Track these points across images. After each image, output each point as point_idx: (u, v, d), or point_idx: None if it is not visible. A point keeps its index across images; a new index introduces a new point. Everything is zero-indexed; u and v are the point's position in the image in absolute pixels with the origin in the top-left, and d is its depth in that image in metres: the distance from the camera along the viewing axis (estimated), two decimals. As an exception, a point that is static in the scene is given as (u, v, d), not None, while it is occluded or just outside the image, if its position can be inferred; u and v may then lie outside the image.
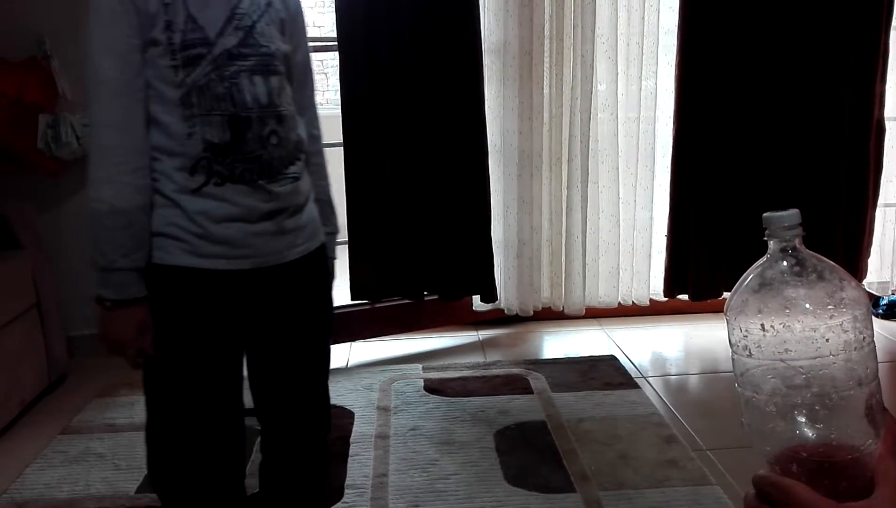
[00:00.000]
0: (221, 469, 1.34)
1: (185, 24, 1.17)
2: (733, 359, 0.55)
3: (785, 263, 0.54)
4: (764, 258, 0.55)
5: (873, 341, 0.54)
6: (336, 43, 2.67)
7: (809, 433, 0.52)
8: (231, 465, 1.35)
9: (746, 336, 0.53)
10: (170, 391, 1.30)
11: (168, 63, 1.17)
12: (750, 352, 0.53)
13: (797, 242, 0.54)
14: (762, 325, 0.52)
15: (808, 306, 0.52)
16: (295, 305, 1.37)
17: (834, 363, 0.51)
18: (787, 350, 0.51)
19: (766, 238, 0.55)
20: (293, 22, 1.33)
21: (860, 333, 0.52)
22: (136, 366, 1.28)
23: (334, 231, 1.52)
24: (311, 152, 1.42)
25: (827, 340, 0.51)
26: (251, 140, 1.22)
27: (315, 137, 1.44)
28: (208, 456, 1.32)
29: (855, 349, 0.52)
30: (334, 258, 1.53)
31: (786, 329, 0.52)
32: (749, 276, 0.55)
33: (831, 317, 0.52)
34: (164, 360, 1.28)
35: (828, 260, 0.54)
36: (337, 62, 2.67)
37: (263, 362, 1.40)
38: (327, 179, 1.48)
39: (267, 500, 1.48)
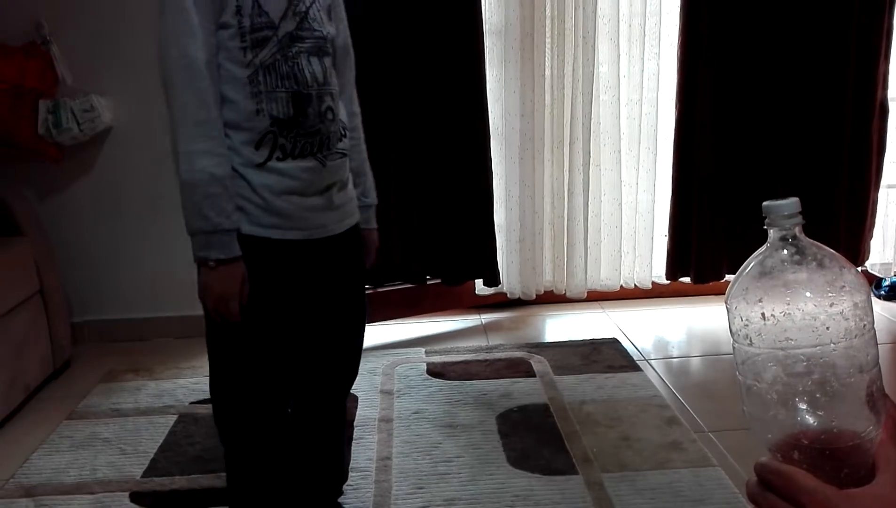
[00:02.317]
0: (272, 406, 1.49)
1: (253, 10, 1.28)
2: (734, 347, 0.55)
3: (785, 251, 0.54)
4: (764, 247, 0.55)
5: (874, 327, 0.54)
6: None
7: (811, 420, 0.52)
8: (275, 405, 1.50)
9: (747, 325, 0.53)
10: (237, 345, 1.43)
11: (238, 45, 1.29)
12: (751, 340, 0.53)
13: (797, 230, 0.54)
14: (763, 313, 0.52)
15: (808, 294, 0.52)
16: (340, 277, 1.51)
17: (834, 350, 0.52)
18: (787, 338, 0.52)
19: (766, 227, 0.55)
20: (336, 7, 1.47)
21: (861, 320, 0.52)
22: (237, 318, 1.36)
23: (373, 203, 1.65)
24: (352, 128, 1.54)
25: (827, 327, 0.51)
26: (312, 115, 1.34)
27: (355, 113, 1.57)
28: (258, 402, 1.47)
29: (856, 336, 0.52)
30: (374, 229, 1.67)
31: (786, 317, 0.52)
32: (749, 264, 0.55)
33: (832, 305, 0.52)
34: (246, 319, 1.39)
35: (828, 248, 0.54)
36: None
37: (309, 331, 1.52)
38: (364, 153, 1.61)
39: (295, 457, 1.63)
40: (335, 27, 1.45)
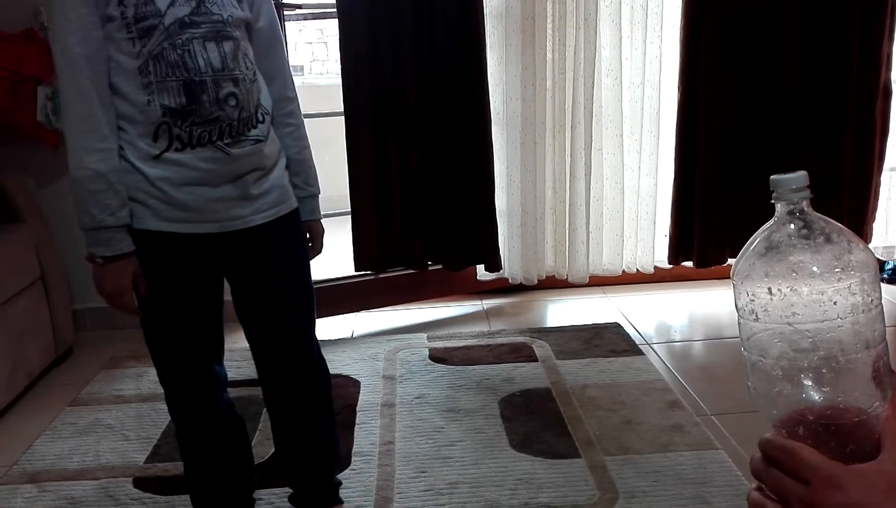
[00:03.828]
0: (197, 394, 1.51)
1: None
2: (739, 323, 0.55)
3: (792, 225, 0.53)
4: (771, 221, 0.54)
5: (881, 303, 0.53)
6: (335, 10, 2.63)
7: (816, 396, 0.52)
8: (203, 394, 1.50)
9: (753, 300, 0.53)
10: (158, 339, 1.46)
11: (125, 36, 1.27)
12: (756, 316, 0.53)
13: (805, 204, 0.54)
14: (769, 289, 0.52)
15: (815, 269, 0.52)
16: (266, 268, 1.46)
17: (841, 326, 0.51)
18: (794, 314, 0.51)
19: (773, 201, 0.54)
20: None
21: (868, 295, 0.52)
22: (136, 313, 1.39)
23: (315, 193, 1.56)
24: (286, 114, 1.49)
25: (834, 303, 0.51)
26: (207, 102, 1.30)
27: (289, 98, 1.50)
28: (188, 388, 1.50)
29: (863, 311, 0.52)
30: (317, 219, 1.58)
31: (793, 293, 0.51)
32: (756, 239, 0.54)
33: (839, 280, 0.51)
34: (149, 313, 1.41)
35: (836, 222, 0.53)
36: (337, 30, 2.64)
37: (247, 322, 1.51)
38: (304, 140, 1.54)
39: (281, 458, 1.66)
40: (247, 10, 1.39)
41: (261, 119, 1.38)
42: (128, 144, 1.30)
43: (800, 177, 0.53)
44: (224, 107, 1.31)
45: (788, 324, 0.51)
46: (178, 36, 1.27)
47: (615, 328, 2.74)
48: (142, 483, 1.89)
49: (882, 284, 3.07)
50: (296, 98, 1.52)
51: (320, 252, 1.62)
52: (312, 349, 1.57)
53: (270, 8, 1.46)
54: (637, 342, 2.61)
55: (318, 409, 1.61)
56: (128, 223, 1.32)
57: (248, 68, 1.36)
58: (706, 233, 2.95)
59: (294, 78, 1.55)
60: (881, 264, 3.14)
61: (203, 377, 1.49)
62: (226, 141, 1.32)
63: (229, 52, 1.32)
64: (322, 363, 1.60)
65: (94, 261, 1.32)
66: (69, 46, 1.25)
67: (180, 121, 1.29)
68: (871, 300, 0.52)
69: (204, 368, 1.48)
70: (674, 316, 2.94)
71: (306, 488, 1.66)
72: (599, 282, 3.13)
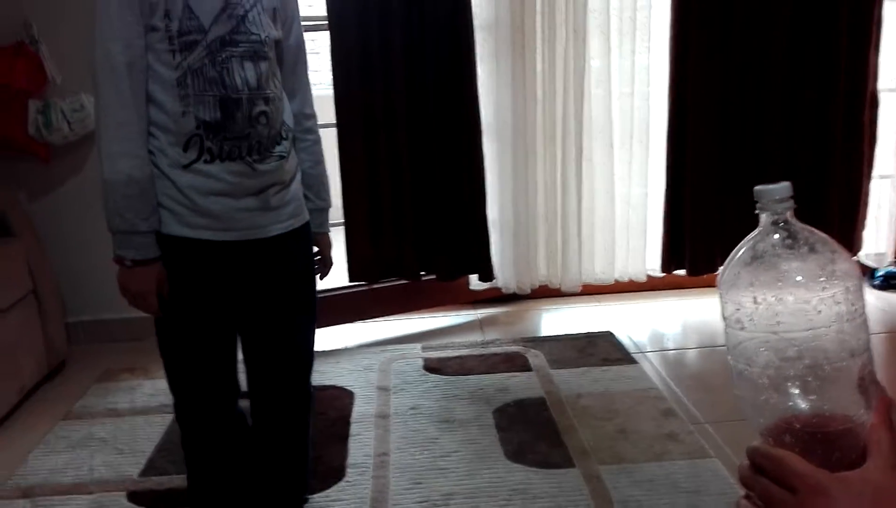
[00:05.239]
0: (214, 402, 1.52)
1: (182, 13, 1.29)
2: (726, 332, 0.55)
3: (777, 235, 0.54)
4: (756, 231, 0.55)
5: (865, 312, 0.54)
6: (327, 22, 2.64)
7: (802, 404, 0.52)
8: (221, 402, 1.52)
9: (739, 309, 0.53)
10: (175, 343, 1.47)
11: (166, 48, 1.30)
12: (742, 325, 0.53)
13: (789, 214, 0.54)
14: (754, 298, 0.52)
15: (800, 278, 0.52)
16: (278, 277, 1.49)
17: (826, 334, 0.52)
18: (779, 323, 0.52)
19: (757, 211, 0.55)
20: (284, 9, 1.44)
21: (852, 304, 0.53)
22: (157, 313, 1.42)
23: (326, 206, 1.61)
24: (305, 130, 1.54)
25: (819, 312, 0.51)
26: (240, 119, 1.34)
27: (308, 115, 1.55)
28: (205, 395, 1.51)
29: (847, 320, 0.52)
30: (326, 232, 1.63)
31: (778, 302, 0.52)
32: (741, 249, 0.55)
33: (823, 289, 0.52)
34: (169, 317, 1.44)
35: (820, 232, 0.54)
36: (328, 41, 2.65)
37: (249, 330, 1.53)
38: (320, 155, 1.59)
39: (259, 472, 1.64)
40: (281, 29, 1.43)
41: (284, 136, 1.43)
42: (158, 150, 1.34)
43: (783, 188, 0.54)
44: (255, 125, 1.35)
45: (774, 333, 0.52)
46: (218, 53, 1.31)
47: (608, 336, 2.74)
48: (136, 497, 1.88)
49: (873, 290, 3.09)
50: (314, 115, 1.57)
51: (332, 265, 1.67)
52: (312, 362, 1.60)
53: (300, 27, 1.51)
54: (630, 351, 2.62)
55: (307, 424, 1.63)
56: (157, 229, 1.36)
57: (276, 87, 1.41)
58: (697, 241, 2.97)
59: None
60: (871, 271, 3.16)
61: (223, 384, 1.50)
62: (254, 157, 1.36)
63: (265, 72, 1.36)
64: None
65: (123, 263, 1.36)
66: (112, 53, 1.27)
67: (213, 134, 1.32)
68: (856, 309, 0.53)
69: (225, 375, 1.49)
70: (667, 324, 2.95)
71: (278, 503, 1.66)
72: (592, 291, 3.13)
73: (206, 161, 1.33)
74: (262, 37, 1.36)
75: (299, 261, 1.54)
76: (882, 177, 3.11)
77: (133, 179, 1.31)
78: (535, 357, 2.57)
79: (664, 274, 3.09)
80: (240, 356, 1.55)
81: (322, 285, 1.61)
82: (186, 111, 1.31)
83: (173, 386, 1.50)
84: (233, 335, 1.50)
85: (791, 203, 0.54)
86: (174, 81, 1.30)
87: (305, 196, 1.55)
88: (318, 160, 1.58)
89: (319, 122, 1.60)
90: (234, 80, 1.32)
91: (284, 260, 1.49)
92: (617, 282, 3.11)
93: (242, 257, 1.43)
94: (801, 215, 0.55)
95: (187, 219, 1.36)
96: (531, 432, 2.09)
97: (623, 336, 2.76)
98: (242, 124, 1.33)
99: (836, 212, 2.94)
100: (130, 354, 2.72)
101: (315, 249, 1.62)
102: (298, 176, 1.51)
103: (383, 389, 2.40)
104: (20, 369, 2.39)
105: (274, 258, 1.47)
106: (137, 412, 2.33)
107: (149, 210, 1.33)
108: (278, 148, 1.41)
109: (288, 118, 1.46)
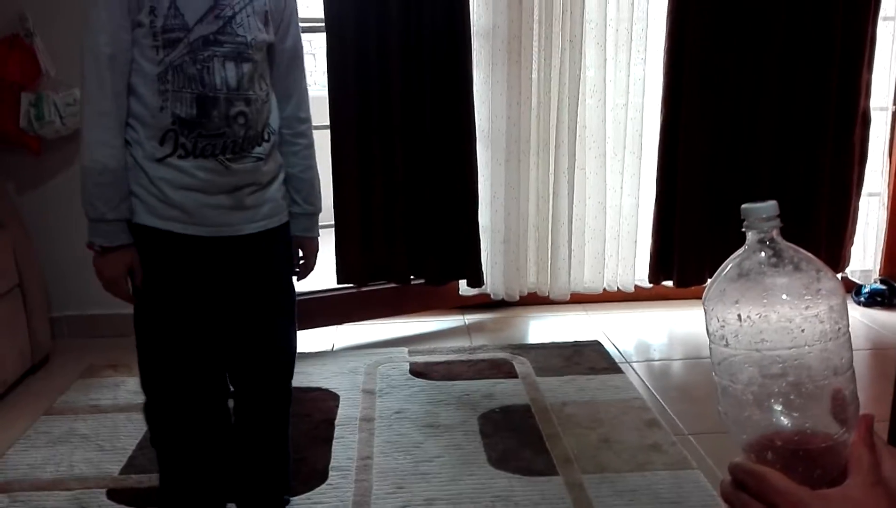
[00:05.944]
0: (195, 399, 1.52)
1: (168, 11, 1.32)
2: (711, 348, 0.56)
3: (762, 254, 0.54)
4: (742, 249, 0.56)
5: (849, 331, 0.54)
6: (324, 24, 2.64)
7: (785, 421, 0.53)
8: (202, 400, 1.53)
9: (724, 326, 0.54)
10: (150, 336, 1.50)
11: (150, 43, 1.33)
12: (727, 341, 0.54)
13: (775, 233, 0.55)
14: (739, 315, 0.53)
15: (784, 296, 0.53)
16: (252, 276, 1.51)
17: (810, 352, 0.52)
18: (763, 340, 0.52)
19: (743, 229, 0.55)
20: (279, 13, 1.45)
21: (836, 323, 0.53)
22: (129, 300, 1.45)
23: (314, 211, 1.60)
24: (297, 134, 1.54)
25: (803, 330, 0.52)
26: (216, 118, 1.36)
27: (302, 119, 1.55)
28: (176, 398, 1.51)
29: (830, 339, 0.53)
30: (313, 237, 1.62)
31: (762, 319, 0.52)
32: (727, 266, 0.55)
33: (807, 307, 0.52)
34: (143, 305, 1.47)
35: (805, 251, 0.54)
36: (325, 43, 2.65)
37: (229, 330, 1.53)
38: (311, 159, 1.58)
39: (238, 471, 1.64)
40: (275, 32, 1.44)
41: (266, 138, 1.45)
42: (135, 142, 1.36)
43: (770, 207, 0.55)
44: (232, 124, 1.37)
45: (758, 350, 0.52)
46: (200, 52, 1.34)
47: (595, 345, 2.75)
48: (116, 494, 1.87)
49: (859, 307, 3.11)
50: (308, 119, 1.57)
51: (312, 269, 1.65)
52: (293, 363, 1.60)
53: (297, 30, 1.52)
54: (617, 360, 2.62)
55: (286, 424, 1.63)
56: (127, 218, 1.38)
57: (261, 90, 1.42)
58: (686, 253, 2.98)
59: None
60: (858, 287, 3.18)
61: (197, 382, 1.50)
62: (227, 156, 1.38)
63: (246, 74, 1.38)
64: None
65: (94, 249, 1.40)
66: (98, 44, 1.31)
67: (188, 131, 1.35)
68: (839, 328, 0.53)
69: (200, 374, 1.50)
70: (653, 335, 2.96)
71: (258, 503, 1.66)
72: (581, 299, 3.14)
73: (179, 156, 1.36)
74: (248, 39, 1.37)
75: (274, 261, 1.54)
76: (870, 194, 3.13)
77: (107, 169, 1.34)
78: (522, 364, 2.57)
79: (652, 285, 3.10)
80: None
81: (310, 286, 1.62)
82: (164, 106, 1.34)
83: (145, 381, 1.51)
84: (212, 335, 1.50)
85: (777, 222, 0.55)
86: (155, 76, 1.33)
87: (293, 200, 1.55)
88: (310, 165, 1.58)
89: (313, 123, 1.60)
90: (213, 79, 1.34)
91: (258, 259, 1.50)
92: (605, 291, 3.12)
93: (214, 253, 1.44)
94: (790, 230, 0.56)
95: (158, 210, 1.38)
96: (515, 439, 2.09)
97: (610, 345, 2.77)
98: (218, 123, 1.35)
99: (825, 228, 2.96)
100: (115, 350, 2.70)
101: (300, 253, 1.61)
102: (280, 178, 1.51)
103: (369, 392, 2.39)
104: (2, 363, 2.37)
105: (247, 257, 1.48)
106: (120, 409, 2.31)
107: (119, 199, 1.36)
108: (257, 149, 1.42)
109: (274, 121, 1.47)
